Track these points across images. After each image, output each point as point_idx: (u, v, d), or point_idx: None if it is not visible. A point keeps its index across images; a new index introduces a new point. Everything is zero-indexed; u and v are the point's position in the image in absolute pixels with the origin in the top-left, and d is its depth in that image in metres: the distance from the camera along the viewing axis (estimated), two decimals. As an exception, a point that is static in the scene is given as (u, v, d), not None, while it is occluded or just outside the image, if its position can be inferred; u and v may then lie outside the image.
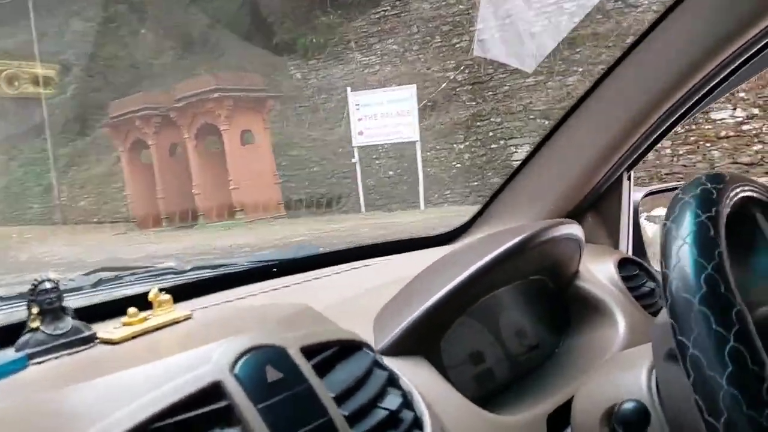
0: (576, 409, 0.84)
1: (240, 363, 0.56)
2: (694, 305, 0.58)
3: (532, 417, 0.88)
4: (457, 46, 14.22)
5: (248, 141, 15.00)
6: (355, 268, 1.28)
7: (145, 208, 15.38)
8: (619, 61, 1.14)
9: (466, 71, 13.88)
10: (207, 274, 1.10)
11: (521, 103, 12.49)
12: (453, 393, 0.82)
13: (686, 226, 0.63)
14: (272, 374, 0.57)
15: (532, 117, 12.17)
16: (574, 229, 1.07)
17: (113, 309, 0.82)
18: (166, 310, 0.74)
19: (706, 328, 0.56)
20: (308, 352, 0.62)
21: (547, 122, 11.49)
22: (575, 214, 1.34)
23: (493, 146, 12.53)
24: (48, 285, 0.65)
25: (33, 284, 0.65)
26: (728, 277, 0.59)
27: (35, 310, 0.65)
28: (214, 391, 0.54)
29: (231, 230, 12.93)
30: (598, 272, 1.19)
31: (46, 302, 0.65)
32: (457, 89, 13.75)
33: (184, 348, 0.59)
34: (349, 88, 13.90)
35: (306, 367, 0.60)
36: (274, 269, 1.18)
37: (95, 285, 1.02)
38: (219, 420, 0.53)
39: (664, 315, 0.64)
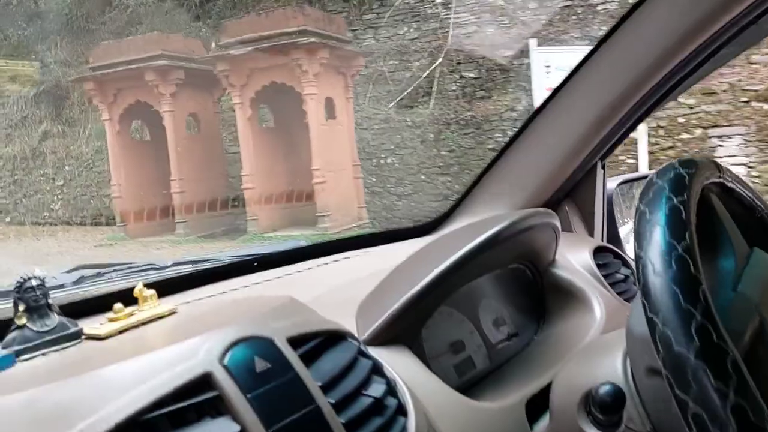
0: (554, 394, 0.86)
1: (229, 354, 0.57)
2: (665, 284, 0.60)
3: (511, 403, 0.90)
4: (600, 8, 10.35)
5: (330, 115, 10.24)
6: (336, 261, 1.29)
7: (145, 207, 10.34)
8: (591, 54, 1.17)
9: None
10: (188, 270, 1.10)
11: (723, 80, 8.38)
12: (435, 380, 0.84)
13: (659, 209, 0.65)
14: (260, 364, 0.58)
15: (744, 99, 8.39)
16: (551, 218, 1.09)
17: (97, 305, 0.83)
18: (152, 306, 0.75)
19: (675, 305, 0.59)
20: (294, 342, 0.63)
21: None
22: (551, 203, 1.37)
23: (684, 136, 8.65)
24: (34, 282, 0.65)
25: (19, 281, 0.65)
26: (696, 258, 0.62)
27: (22, 307, 0.65)
28: (204, 382, 0.55)
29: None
30: (574, 260, 1.22)
31: (32, 299, 0.65)
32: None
33: (171, 341, 0.60)
34: (534, 42, 8.59)
35: (293, 357, 0.61)
36: (255, 264, 1.19)
37: (77, 282, 1.02)
38: (210, 410, 0.54)
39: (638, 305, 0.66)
